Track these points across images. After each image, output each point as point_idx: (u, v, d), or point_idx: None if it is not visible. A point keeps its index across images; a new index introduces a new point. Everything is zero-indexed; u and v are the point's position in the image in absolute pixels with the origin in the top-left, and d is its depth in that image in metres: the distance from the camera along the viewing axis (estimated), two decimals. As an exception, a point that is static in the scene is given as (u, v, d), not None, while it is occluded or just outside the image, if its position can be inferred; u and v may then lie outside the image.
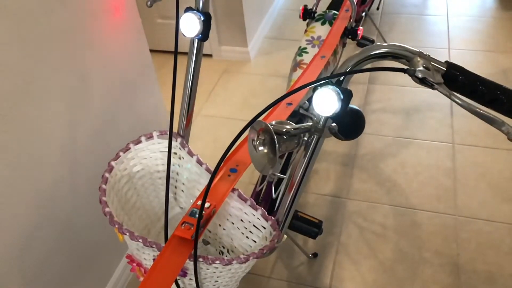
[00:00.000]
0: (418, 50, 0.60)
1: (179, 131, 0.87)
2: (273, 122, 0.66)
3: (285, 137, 0.65)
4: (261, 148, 0.63)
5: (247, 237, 0.80)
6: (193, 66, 0.84)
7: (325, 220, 1.52)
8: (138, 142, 0.84)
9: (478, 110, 0.52)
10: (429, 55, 0.59)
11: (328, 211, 1.56)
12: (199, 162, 0.83)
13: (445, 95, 0.56)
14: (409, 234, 1.46)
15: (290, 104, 0.93)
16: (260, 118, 0.62)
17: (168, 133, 0.81)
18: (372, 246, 1.43)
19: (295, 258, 1.43)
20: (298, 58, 1.27)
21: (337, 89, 0.59)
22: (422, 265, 1.37)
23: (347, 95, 0.60)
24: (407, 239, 1.44)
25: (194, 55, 0.83)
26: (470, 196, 1.56)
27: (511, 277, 1.32)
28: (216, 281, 0.71)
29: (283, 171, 1.18)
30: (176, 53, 0.77)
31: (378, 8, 2.66)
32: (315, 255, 1.42)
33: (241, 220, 0.79)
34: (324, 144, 1.80)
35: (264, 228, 0.76)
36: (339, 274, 1.37)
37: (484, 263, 1.36)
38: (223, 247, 0.86)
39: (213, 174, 0.66)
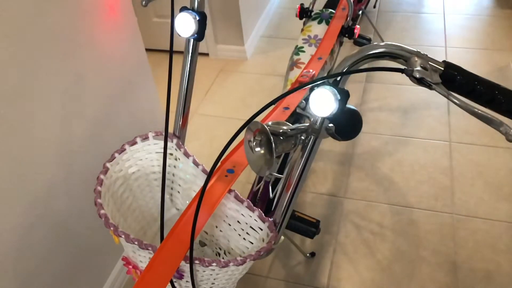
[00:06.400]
0: (416, 50, 0.60)
1: (175, 132, 0.87)
2: (270, 123, 0.66)
3: (281, 138, 0.65)
4: (257, 149, 0.63)
5: (244, 238, 0.79)
6: (188, 65, 0.83)
7: (323, 219, 1.52)
8: (133, 143, 0.83)
9: (476, 110, 0.52)
10: (426, 55, 0.59)
11: (326, 210, 1.56)
12: (195, 163, 0.82)
13: (443, 95, 0.55)
14: (407, 233, 1.46)
15: (287, 108, 0.93)
16: (257, 120, 0.61)
17: (163, 133, 0.81)
18: (369, 245, 1.43)
19: (293, 258, 1.42)
20: (295, 57, 1.27)
21: (334, 89, 0.59)
22: (420, 264, 1.37)
23: (344, 96, 0.59)
24: (405, 237, 1.44)
25: (190, 55, 0.82)
26: (467, 195, 1.56)
27: (508, 275, 1.32)
28: (213, 283, 0.70)
29: (281, 171, 1.17)
30: (171, 53, 0.77)
31: (374, 6, 2.66)
32: (312, 254, 1.42)
33: (238, 221, 0.78)
34: (321, 143, 1.79)
35: (261, 229, 0.75)
36: (336, 273, 1.37)
37: (481, 261, 1.36)
38: (220, 249, 0.86)
39: (209, 175, 0.65)
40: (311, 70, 1.09)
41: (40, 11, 0.88)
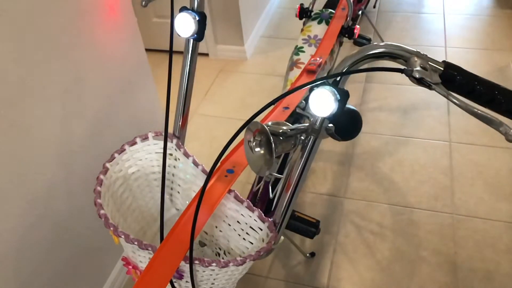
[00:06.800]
0: (416, 50, 0.60)
1: (174, 132, 0.87)
2: (269, 123, 0.66)
3: (281, 138, 0.65)
4: (257, 149, 0.63)
5: (243, 238, 0.79)
6: (188, 66, 0.83)
7: (323, 219, 1.52)
8: (133, 143, 0.83)
9: (476, 110, 0.52)
10: (426, 55, 0.59)
11: (326, 210, 1.56)
12: (195, 163, 0.82)
13: (443, 95, 0.55)
14: (407, 233, 1.46)
15: (287, 108, 0.93)
16: (257, 120, 0.61)
17: (163, 134, 0.81)
18: (369, 245, 1.43)
19: (293, 258, 1.42)
20: (295, 57, 1.27)
21: (334, 89, 0.59)
22: (420, 264, 1.37)
23: (343, 96, 0.59)
24: (405, 237, 1.44)
25: (190, 55, 0.82)
26: (467, 195, 1.56)
27: (508, 275, 1.32)
28: (212, 284, 0.70)
29: (281, 171, 1.17)
30: (171, 53, 0.77)
31: (374, 6, 2.66)
32: (312, 254, 1.42)
33: (238, 221, 0.78)
34: (321, 143, 1.79)
35: (261, 229, 0.75)
36: (336, 273, 1.37)
37: (481, 261, 1.36)
38: (220, 249, 0.86)
39: (209, 175, 0.65)
40: (318, 58, 1.08)
41: (39, 11, 0.88)
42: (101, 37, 1.10)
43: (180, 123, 0.86)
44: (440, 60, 0.58)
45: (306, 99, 1.07)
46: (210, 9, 2.21)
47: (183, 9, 0.77)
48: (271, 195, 1.11)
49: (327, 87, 0.59)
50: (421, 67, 0.56)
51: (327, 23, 1.34)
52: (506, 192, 1.55)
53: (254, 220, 0.75)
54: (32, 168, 0.93)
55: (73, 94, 1.02)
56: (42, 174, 0.96)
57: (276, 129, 0.65)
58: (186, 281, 0.69)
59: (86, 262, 1.18)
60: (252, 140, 0.62)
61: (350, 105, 0.65)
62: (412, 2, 2.71)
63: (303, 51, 1.27)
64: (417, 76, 0.55)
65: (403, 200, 1.56)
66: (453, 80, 0.57)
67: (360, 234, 1.47)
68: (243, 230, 0.78)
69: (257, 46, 2.46)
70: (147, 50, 1.36)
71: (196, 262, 0.64)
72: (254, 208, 0.75)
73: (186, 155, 0.83)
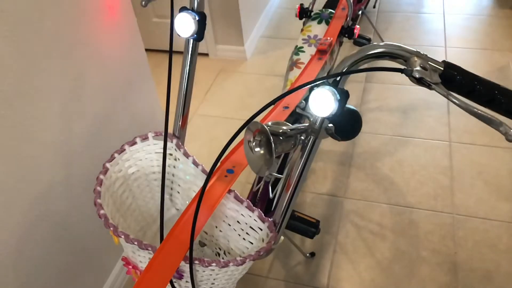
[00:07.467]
0: (415, 50, 0.60)
1: (174, 132, 0.87)
2: (269, 123, 0.66)
3: (281, 138, 0.65)
4: (257, 149, 0.63)
5: (243, 238, 0.79)
6: (188, 66, 0.83)
7: (322, 219, 1.52)
8: (133, 143, 0.83)
9: (476, 110, 0.52)
10: (426, 55, 0.59)
11: (325, 210, 1.56)
12: (195, 163, 0.82)
13: (443, 95, 0.55)
14: (406, 233, 1.46)
15: (286, 107, 0.93)
16: (257, 120, 0.61)
17: (163, 134, 0.81)
18: (369, 245, 1.43)
19: (293, 258, 1.42)
20: (295, 57, 1.27)
21: (334, 89, 0.59)
22: (419, 264, 1.37)
23: (343, 96, 0.59)
24: (405, 238, 1.44)
25: (189, 55, 0.82)
26: (467, 195, 1.56)
27: (508, 275, 1.32)
28: (212, 284, 0.70)
29: (280, 171, 1.17)
30: (171, 53, 0.77)
31: (374, 6, 2.66)
32: (312, 254, 1.42)
33: (238, 221, 0.78)
34: (321, 143, 1.79)
35: (261, 229, 0.75)
36: (336, 273, 1.37)
37: (481, 261, 1.36)
38: (220, 249, 0.86)
39: (209, 175, 0.65)
40: (328, 38, 1.09)
41: (39, 11, 0.88)
42: (101, 37, 1.10)
43: (180, 123, 0.86)
44: (440, 60, 0.58)
45: (306, 99, 1.07)
46: (210, 9, 2.21)
47: (183, 9, 0.77)
48: (271, 195, 1.11)
49: (327, 87, 0.59)
50: (421, 67, 0.56)
51: (327, 23, 1.34)
52: (505, 192, 1.55)
53: (254, 220, 0.75)
54: (32, 168, 0.93)
55: (73, 94, 1.02)
56: (42, 174, 0.96)
57: (276, 129, 0.65)
58: (186, 281, 0.69)
59: (86, 262, 1.18)
60: (252, 140, 0.62)
61: (350, 105, 0.65)
62: (412, 2, 2.71)
63: (303, 51, 1.27)
64: (417, 76, 0.55)
65: (403, 200, 1.56)
66: (453, 80, 0.57)
67: (360, 234, 1.47)
68: (243, 230, 0.78)
69: (257, 46, 2.46)
70: (147, 50, 1.36)
71: (196, 262, 0.64)
72: (254, 208, 0.75)
73: (186, 155, 0.83)
